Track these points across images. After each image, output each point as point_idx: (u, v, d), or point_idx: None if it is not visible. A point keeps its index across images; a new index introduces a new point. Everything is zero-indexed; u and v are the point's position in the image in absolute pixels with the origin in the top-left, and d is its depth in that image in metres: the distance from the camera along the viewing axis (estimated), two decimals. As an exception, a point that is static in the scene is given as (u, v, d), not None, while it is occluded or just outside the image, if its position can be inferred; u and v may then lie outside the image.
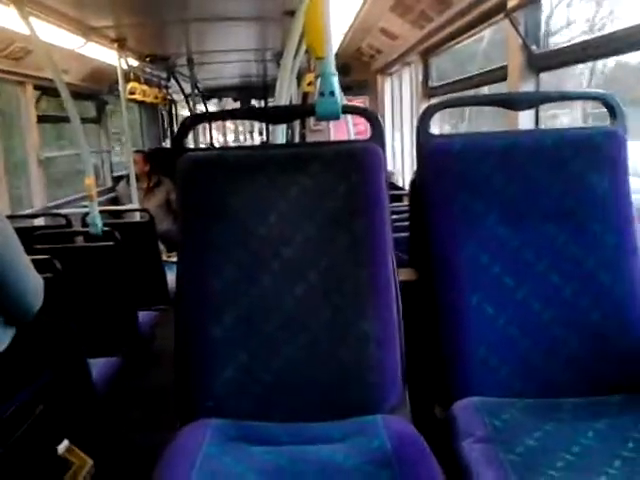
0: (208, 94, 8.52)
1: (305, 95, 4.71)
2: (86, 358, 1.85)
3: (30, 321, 1.57)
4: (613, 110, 1.59)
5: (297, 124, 5.57)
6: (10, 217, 2.16)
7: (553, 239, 1.49)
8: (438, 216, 1.52)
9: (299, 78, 4.19)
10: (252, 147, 2.46)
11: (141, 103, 6.02)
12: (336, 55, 1.63)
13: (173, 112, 8.24)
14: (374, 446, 1.23)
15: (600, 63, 2.85)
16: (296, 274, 1.42)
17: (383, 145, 1.53)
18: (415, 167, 1.65)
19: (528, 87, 2.35)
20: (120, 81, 4.16)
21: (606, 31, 1.95)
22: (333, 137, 4.93)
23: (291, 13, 2.50)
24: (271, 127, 2.13)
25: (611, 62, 2.83)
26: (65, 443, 1.58)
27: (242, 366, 1.38)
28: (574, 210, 1.49)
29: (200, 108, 7.11)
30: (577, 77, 3.06)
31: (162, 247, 3.66)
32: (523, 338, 1.45)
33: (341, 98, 1.58)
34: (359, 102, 5.57)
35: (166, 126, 7.94)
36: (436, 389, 1.50)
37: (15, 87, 3.81)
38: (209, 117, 3.20)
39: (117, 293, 2.38)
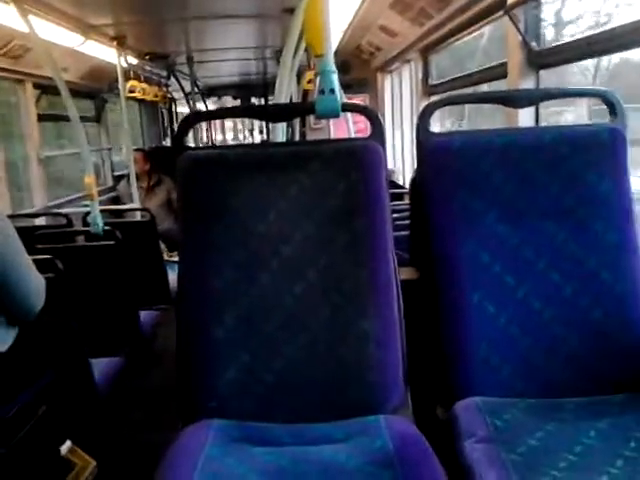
0: (208, 92, 8.51)
1: (305, 93, 4.70)
2: (88, 358, 1.85)
3: (32, 321, 1.57)
4: (613, 107, 1.58)
5: (297, 122, 5.56)
6: (11, 216, 2.16)
7: (553, 237, 1.48)
8: (438, 214, 1.51)
9: (299, 76, 4.18)
10: (252, 145, 2.46)
11: (141, 101, 6.02)
12: (336, 53, 1.63)
13: (173, 110, 8.24)
14: (376, 446, 1.23)
15: (605, 59, 2.83)
16: (295, 273, 1.42)
17: (383, 143, 1.53)
18: (415, 165, 1.65)
19: (528, 84, 2.35)
20: (120, 79, 4.15)
21: (609, 26, 1.94)
22: (333, 135, 4.91)
23: (291, 10, 2.50)
24: (271, 125, 2.12)
25: (616, 58, 2.81)
26: (68, 444, 1.58)
27: (244, 366, 1.38)
28: (574, 208, 1.49)
29: (200, 106, 7.10)
30: (580, 74, 3.04)
31: (163, 246, 3.66)
32: (524, 337, 1.45)
33: (341, 96, 1.58)
34: (359, 100, 5.57)
35: (166, 124, 7.94)
36: (438, 389, 1.50)
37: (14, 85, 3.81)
38: (209, 115, 3.19)
39: (118, 293, 2.38)
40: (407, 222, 1.89)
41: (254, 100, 8.83)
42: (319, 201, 1.44)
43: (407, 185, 3.24)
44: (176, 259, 1.57)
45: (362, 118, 1.63)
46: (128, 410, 2.49)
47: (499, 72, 2.65)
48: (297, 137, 5.68)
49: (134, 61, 4.73)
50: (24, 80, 3.77)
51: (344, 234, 1.42)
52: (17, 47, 3.29)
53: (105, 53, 4.13)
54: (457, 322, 1.46)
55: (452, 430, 1.32)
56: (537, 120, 2.38)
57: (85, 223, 2.88)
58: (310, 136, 5.81)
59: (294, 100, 4.30)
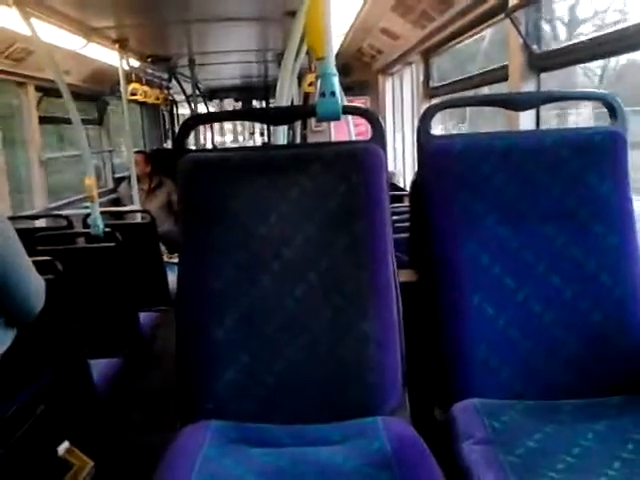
0: (209, 95, 8.52)
1: (306, 96, 4.71)
2: (87, 359, 1.85)
3: (31, 322, 1.57)
4: (614, 110, 1.58)
5: (298, 125, 5.57)
6: (11, 218, 2.16)
7: (553, 240, 1.48)
8: (439, 217, 1.51)
9: (300, 79, 4.19)
10: (253, 148, 2.46)
11: (142, 104, 6.03)
12: (337, 55, 1.63)
13: (174, 113, 8.25)
14: (374, 448, 1.23)
15: (613, 60, 2.83)
16: (296, 275, 1.42)
17: (384, 146, 1.53)
18: (416, 167, 1.65)
19: (529, 87, 2.35)
20: (121, 82, 4.16)
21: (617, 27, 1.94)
22: (334, 138, 4.91)
23: (292, 14, 2.50)
24: (272, 128, 2.12)
25: (623, 59, 2.81)
26: (65, 444, 1.58)
27: (244, 368, 1.38)
28: (574, 211, 1.49)
29: (201, 109, 7.11)
30: (583, 75, 3.04)
31: (163, 248, 3.66)
32: (523, 339, 1.45)
33: (342, 99, 1.58)
34: (360, 102, 5.57)
35: (167, 127, 7.95)
36: (436, 390, 1.50)
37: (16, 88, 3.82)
38: (210, 118, 3.20)
39: (118, 294, 2.38)
40: (407, 224, 1.89)
41: (255, 103, 8.84)
42: (320, 203, 1.44)
43: (407, 187, 3.23)
44: (176, 261, 1.57)
45: (363, 121, 1.63)
46: (126, 411, 2.49)
47: (500, 75, 2.65)
48: (298, 140, 5.68)
49: (136, 64, 4.75)
50: (26, 83, 3.78)
51: (344, 236, 1.42)
52: (19, 50, 3.30)
53: (107, 56, 4.14)
54: (456, 324, 1.46)
55: (450, 432, 1.32)
56: (538, 123, 2.38)
57: (85, 225, 2.89)
58: (311, 139, 5.82)
59: (295, 103, 4.30)
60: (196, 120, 2.06)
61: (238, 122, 13.23)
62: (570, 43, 2.23)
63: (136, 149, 5.03)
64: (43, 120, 4.14)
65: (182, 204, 1.50)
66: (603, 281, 1.46)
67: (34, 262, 1.58)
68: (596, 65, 2.97)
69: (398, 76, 5.27)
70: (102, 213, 2.83)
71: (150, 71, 5.39)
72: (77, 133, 2.92)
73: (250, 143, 10.86)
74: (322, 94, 1.50)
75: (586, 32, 2.53)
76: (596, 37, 2.02)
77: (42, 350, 1.64)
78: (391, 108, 5.59)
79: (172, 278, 3.04)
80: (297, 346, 1.40)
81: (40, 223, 3.63)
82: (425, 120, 1.60)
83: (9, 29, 2.96)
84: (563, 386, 1.43)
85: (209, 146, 8.64)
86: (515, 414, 1.35)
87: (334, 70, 1.51)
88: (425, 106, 1.75)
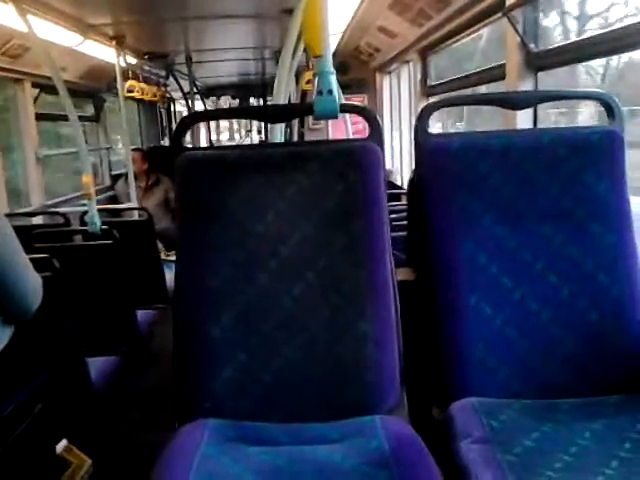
0: (207, 92, 8.51)
1: (304, 93, 4.70)
2: (84, 357, 1.85)
3: (28, 320, 1.57)
4: (611, 110, 1.59)
5: (296, 123, 5.56)
6: (8, 215, 2.16)
7: (550, 239, 1.49)
8: (436, 215, 1.52)
9: (297, 76, 4.19)
10: (250, 146, 2.46)
11: (140, 101, 6.01)
12: (334, 53, 1.63)
13: (172, 110, 8.23)
14: (372, 447, 1.23)
15: (615, 59, 2.83)
16: (294, 273, 1.42)
17: (382, 144, 1.53)
18: (413, 166, 1.65)
19: (526, 86, 2.35)
20: (118, 79, 4.14)
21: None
22: (331, 136, 4.92)
23: (289, 11, 2.50)
24: (269, 126, 2.12)
25: (625, 57, 2.80)
26: (63, 442, 1.58)
27: (241, 366, 1.38)
28: (572, 210, 1.49)
29: (198, 106, 7.10)
30: (585, 73, 3.04)
31: (160, 246, 3.66)
32: (521, 338, 1.45)
33: (339, 97, 1.58)
34: (358, 100, 5.57)
35: (165, 124, 7.93)
36: (434, 389, 1.50)
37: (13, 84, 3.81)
38: (208, 115, 3.19)
39: (115, 292, 2.38)
40: (404, 223, 1.89)
41: (252, 100, 8.83)
42: (317, 202, 1.44)
43: (405, 186, 3.24)
44: (173, 258, 1.57)
45: (360, 119, 1.63)
46: (124, 409, 2.49)
47: (497, 73, 2.65)
48: (295, 138, 5.68)
49: (133, 61, 4.73)
50: (23, 79, 3.77)
51: (342, 235, 1.42)
52: (16, 46, 3.28)
53: (104, 52, 4.13)
54: (454, 323, 1.46)
55: (448, 431, 1.32)
56: (535, 122, 2.38)
57: (83, 222, 2.88)
58: (308, 137, 5.81)
59: (292, 101, 4.30)
60: (194, 118, 2.06)
61: (234, 120, 13.20)
62: (567, 42, 2.23)
63: (133, 146, 5.02)
64: (40, 117, 4.13)
65: (179, 202, 1.50)
66: (600, 280, 1.47)
67: (31, 259, 1.58)
68: (598, 64, 2.97)
69: (395, 74, 5.26)
70: (99, 211, 2.82)
71: (147, 68, 5.38)
72: (74, 130, 2.91)
73: (247, 141, 10.84)
74: (319, 92, 1.50)
75: (595, 27, 2.51)
76: (593, 36, 2.02)
77: (40, 348, 1.64)
78: (388, 106, 5.59)
79: (169, 276, 3.03)
80: (295, 345, 1.40)
81: (37, 220, 3.62)
82: (422, 118, 1.60)
83: (6, 25, 2.95)
84: (560, 385, 1.44)
85: (204, 144, 8.62)
86: (513, 413, 1.35)
87: (331, 68, 1.51)
88: (422, 104, 1.76)
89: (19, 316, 1.54)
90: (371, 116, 1.57)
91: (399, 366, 1.42)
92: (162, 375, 1.65)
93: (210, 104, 9.22)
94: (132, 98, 5.13)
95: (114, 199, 5.20)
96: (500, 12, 2.37)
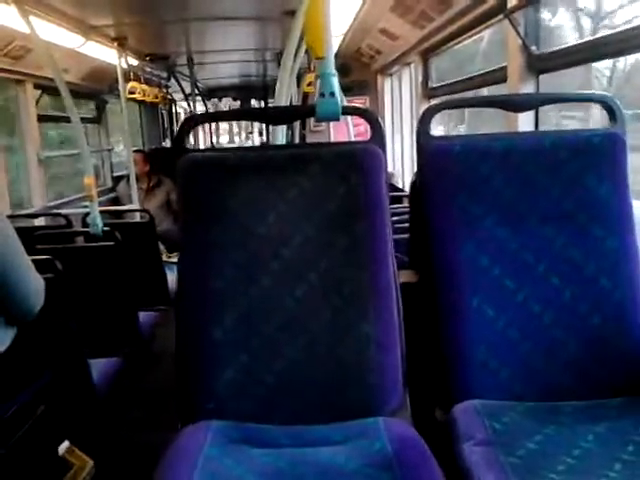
0: (208, 94, 8.52)
1: (305, 95, 4.70)
2: (87, 358, 1.85)
3: (31, 321, 1.57)
4: (613, 112, 1.59)
5: (297, 125, 5.57)
6: (10, 217, 2.16)
7: (552, 241, 1.49)
8: (438, 217, 1.52)
9: (299, 78, 4.19)
10: (252, 148, 2.46)
11: (141, 102, 6.02)
12: (336, 55, 1.63)
13: (173, 111, 8.24)
14: (375, 449, 1.23)
15: (622, 61, 2.82)
16: (296, 275, 1.42)
17: (383, 146, 1.53)
18: (415, 168, 1.65)
19: (528, 88, 2.35)
20: (120, 80, 4.15)
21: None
22: (333, 138, 4.91)
23: (291, 13, 2.50)
24: (271, 128, 2.12)
25: (631, 59, 2.79)
26: (66, 444, 1.58)
27: (243, 367, 1.38)
28: (574, 213, 1.49)
29: (199, 108, 7.10)
30: (595, 77, 3.03)
31: (162, 247, 3.66)
32: (523, 341, 1.45)
33: (341, 99, 1.58)
34: (359, 103, 5.57)
35: (166, 126, 7.94)
36: (436, 392, 1.50)
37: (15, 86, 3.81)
38: (210, 117, 3.19)
39: (117, 293, 2.38)
40: (406, 225, 1.89)
41: (254, 102, 8.83)
42: (319, 204, 1.44)
43: (407, 188, 3.24)
44: (175, 260, 1.58)
45: (362, 121, 1.63)
46: (127, 410, 2.49)
47: (499, 76, 2.65)
48: (297, 140, 5.68)
49: (134, 62, 4.74)
50: (24, 80, 3.78)
51: (344, 237, 1.42)
52: (18, 48, 3.29)
53: (106, 54, 4.14)
54: (456, 325, 1.46)
55: (451, 433, 1.32)
56: (537, 124, 2.38)
57: (84, 224, 2.88)
58: (310, 139, 5.82)
59: (294, 103, 4.30)
60: (196, 119, 2.06)
61: (234, 122, 13.18)
62: (570, 45, 2.23)
63: (135, 148, 5.03)
64: (42, 118, 4.13)
65: (181, 203, 1.50)
66: (602, 284, 1.46)
67: (33, 261, 1.58)
68: (604, 66, 2.96)
69: (397, 76, 5.27)
70: (101, 212, 2.83)
71: (149, 70, 5.39)
72: (76, 131, 2.91)
73: (248, 144, 10.85)
74: (321, 94, 1.50)
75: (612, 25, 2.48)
76: (596, 38, 2.03)
77: (42, 349, 1.64)
78: (390, 108, 5.59)
79: (171, 277, 3.04)
80: (297, 346, 1.40)
81: (39, 222, 3.63)
82: (424, 121, 1.60)
83: (8, 27, 2.95)
84: (563, 387, 1.44)
85: (202, 147, 8.62)
86: (515, 415, 1.35)
87: (333, 70, 1.51)
88: (424, 106, 1.76)
89: (21, 317, 1.55)
90: (373, 118, 1.57)
91: (402, 368, 1.42)
92: (164, 377, 1.65)
93: (211, 106, 9.23)
94: (134, 100, 5.13)
95: (116, 201, 5.21)
96: (502, 14, 2.37)
